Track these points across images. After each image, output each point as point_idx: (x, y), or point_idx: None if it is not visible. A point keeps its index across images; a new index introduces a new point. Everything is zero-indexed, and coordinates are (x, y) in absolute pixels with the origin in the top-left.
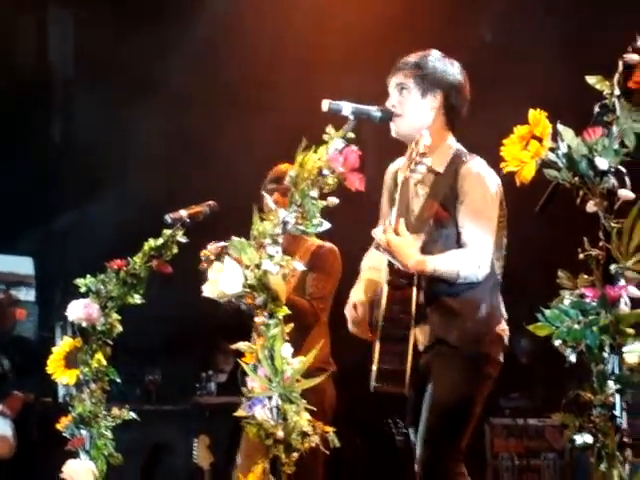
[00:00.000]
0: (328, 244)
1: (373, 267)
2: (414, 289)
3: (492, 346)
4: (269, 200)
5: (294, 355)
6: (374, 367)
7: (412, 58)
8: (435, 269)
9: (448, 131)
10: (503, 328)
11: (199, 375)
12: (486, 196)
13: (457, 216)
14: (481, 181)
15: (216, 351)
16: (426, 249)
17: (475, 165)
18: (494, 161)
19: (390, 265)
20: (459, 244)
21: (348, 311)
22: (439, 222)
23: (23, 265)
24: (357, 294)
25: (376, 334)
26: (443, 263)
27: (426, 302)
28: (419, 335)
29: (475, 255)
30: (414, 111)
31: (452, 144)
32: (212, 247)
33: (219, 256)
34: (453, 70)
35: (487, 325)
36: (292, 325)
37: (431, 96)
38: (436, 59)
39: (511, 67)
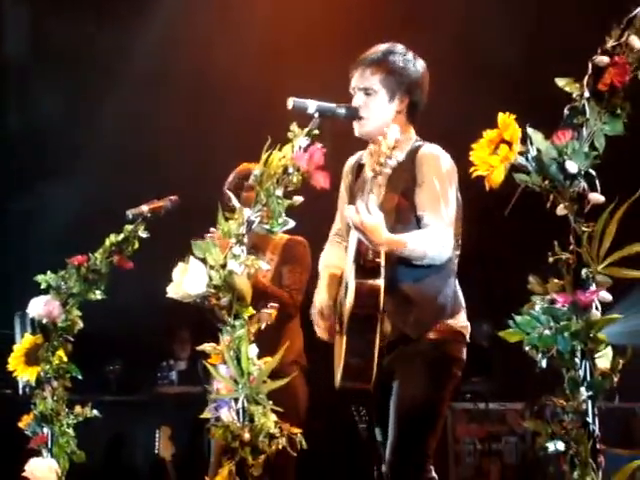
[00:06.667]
0: (298, 237)
1: (332, 265)
2: (382, 280)
3: (454, 345)
4: (234, 199)
5: (272, 347)
6: (340, 366)
7: (378, 55)
8: (406, 248)
9: (409, 125)
10: (464, 325)
11: (160, 364)
12: (443, 177)
13: (416, 200)
14: (437, 162)
15: (173, 340)
16: None
17: (430, 148)
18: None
19: (358, 252)
20: (420, 228)
21: (315, 316)
22: (400, 212)
23: None
24: (321, 296)
25: (342, 331)
26: (413, 241)
27: (385, 290)
28: (382, 330)
29: (439, 234)
30: (380, 114)
31: (412, 137)
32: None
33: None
34: (417, 68)
35: (443, 314)
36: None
37: (397, 99)
38: (402, 58)
39: (478, 67)
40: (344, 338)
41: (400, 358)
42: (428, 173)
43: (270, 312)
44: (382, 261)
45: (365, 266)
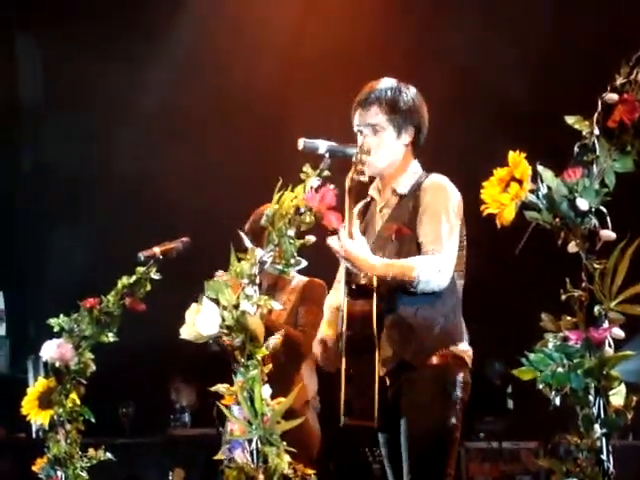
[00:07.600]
0: (317, 279)
1: (334, 305)
2: (374, 301)
3: (458, 369)
4: (246, 240)
5: (286, 386)
6: (342, 402)
7: (381, 93)
8: (394, 272)
9: (413, 157)
10: (465, 349)
11: (172, 406)
12: (447, 205)
13: (418, 227)
14: (441, 192)
15: (170, 387)
16: None
17: (436, 178)
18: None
19: (348, 274)
20: (420, 254)
21: (316, 347)
22: (400, 239)
23: None
24: (322, 328)
25: (341, 366)
26: (420, 265)
27: (385, 321)
28: (382, 357)
29: (436, 260)
30: (390, 151)
31: (417, 169)
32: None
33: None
34: (419, 101)
35: (445, 342)
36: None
37: (405, 134)
38: (405, 93)
39: (481, 102)
40: (343, 374)
41: (404, 389)
42: (432, 201)
43: (277, 340)
44: (374, 282)
45: (356, 288)
